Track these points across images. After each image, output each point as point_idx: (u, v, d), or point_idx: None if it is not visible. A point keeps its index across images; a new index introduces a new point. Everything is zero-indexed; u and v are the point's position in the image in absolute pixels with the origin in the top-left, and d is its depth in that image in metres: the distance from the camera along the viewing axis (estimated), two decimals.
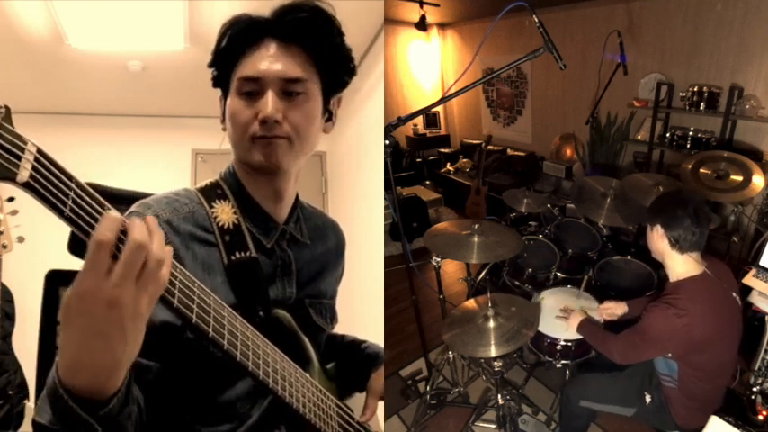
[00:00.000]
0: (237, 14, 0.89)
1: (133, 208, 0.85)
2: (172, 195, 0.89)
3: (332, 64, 0.93)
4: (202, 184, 0.95)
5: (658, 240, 1.56)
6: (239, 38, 0.88)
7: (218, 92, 0.95)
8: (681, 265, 1.55)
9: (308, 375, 0.92)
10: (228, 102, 0.89)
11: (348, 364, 1.12)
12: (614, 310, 1.94)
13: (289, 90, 0.87)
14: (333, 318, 1.12)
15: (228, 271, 0.87)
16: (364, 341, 1.23)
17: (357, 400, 1.10)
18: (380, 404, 1.10)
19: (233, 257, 0.88)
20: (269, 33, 0.88)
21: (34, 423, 0.64)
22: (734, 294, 1.59)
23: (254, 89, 0.86)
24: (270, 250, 0.94)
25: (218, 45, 0.90)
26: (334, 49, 0.92)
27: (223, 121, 0.94)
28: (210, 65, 0.93)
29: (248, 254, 0.90)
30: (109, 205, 0.59)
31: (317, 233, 1.09)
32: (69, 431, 0.58)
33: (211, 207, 0.90)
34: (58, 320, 1.12)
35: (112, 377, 0.58)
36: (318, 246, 1.08)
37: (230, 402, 0.89)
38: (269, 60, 0.87)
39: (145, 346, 0.61)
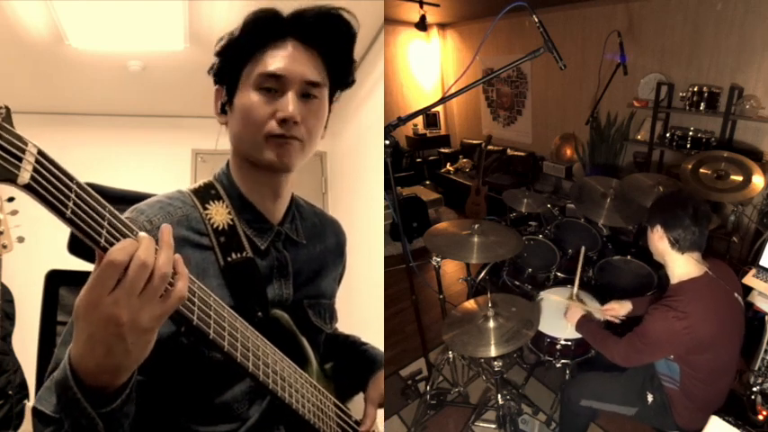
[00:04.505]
0: (263, 7, 0.87)
1: (127, 213, 0.84)
2: (165, 199, 0.88)
3: (342, 72, 0.94)
4: (196, 185, 0.94)
5: (658, 241, 1.55)
6: (264, 31, 0.86)
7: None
8: (682, 267, 1.54)
9: (306, 375, 0.92)
10: (241, 96, 0.87)
11: (346, 364, 1.12)
12: (617, 311, 1.90)
13: (307, 92, 0.88)
14: (332, 318, 1.12)
15: (225, 273, 0.87)
16: (365, 343, 1.23)
17: (357, 401, 1.10)
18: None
19: (229, 259, 0.87)
20: (290, 33, 0.87)
21: (35, 410, 0.66)
22: (737, 296, 1.58)
23: (274, 86, 0.86)
24: (265, 251, 0.94)
25: (241, 33, 0.87)
26: (349, 58, 0.94)
27: (221, 113, 0.92)
28: (222, 52, 0.90)
29: (244, 254, 0.89)
30: (111, 207, 0.59)
31: (315, 232, 1.08)
32: (72, 422, 0.60)
33: (205, 209, 0.89)
34: (58, 320, 1.13)
35: (115, 377, 0.60)
36: (316, 245, 1.07)
37: (227, 404, 0.89)
38: (291, 60, 0.86)
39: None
